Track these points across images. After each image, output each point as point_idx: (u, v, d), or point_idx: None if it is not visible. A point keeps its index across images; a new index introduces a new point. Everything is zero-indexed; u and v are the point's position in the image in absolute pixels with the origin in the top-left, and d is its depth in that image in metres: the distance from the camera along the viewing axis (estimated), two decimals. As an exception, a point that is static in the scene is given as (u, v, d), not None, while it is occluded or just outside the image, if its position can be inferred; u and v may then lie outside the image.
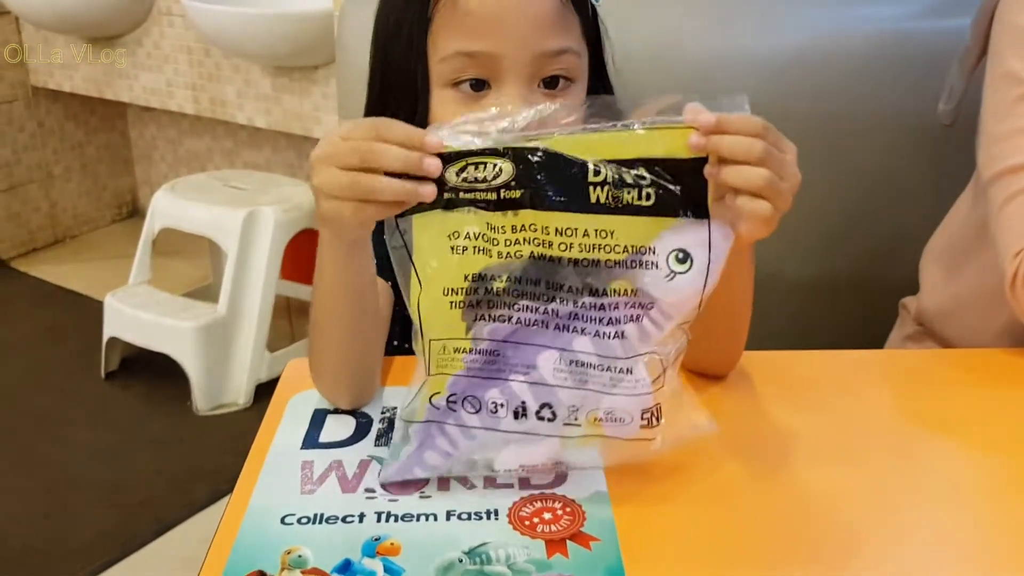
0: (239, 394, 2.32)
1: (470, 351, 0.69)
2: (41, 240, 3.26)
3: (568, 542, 0.67)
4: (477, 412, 0.70)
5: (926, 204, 1.21)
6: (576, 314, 0.67)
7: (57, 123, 3.22)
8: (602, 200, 0.64)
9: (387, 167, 0.65)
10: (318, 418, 0.83)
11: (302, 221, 2.34)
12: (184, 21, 2.61)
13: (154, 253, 2.43)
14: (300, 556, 0.66)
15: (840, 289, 1.31)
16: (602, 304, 0.66)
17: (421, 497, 0.72)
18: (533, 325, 0.67)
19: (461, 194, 0.65)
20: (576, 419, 0.70)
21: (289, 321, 2.61)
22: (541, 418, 0.69)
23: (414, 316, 0.69)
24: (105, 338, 2.40)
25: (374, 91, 0.93)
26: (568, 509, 0.71)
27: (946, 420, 0.85)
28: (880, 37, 1.25)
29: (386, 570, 0.65)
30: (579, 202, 0.64)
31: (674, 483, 0.74)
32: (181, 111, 2.77)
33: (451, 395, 0.70)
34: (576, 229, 0.65)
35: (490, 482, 0.74)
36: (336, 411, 0.84)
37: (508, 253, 0.66)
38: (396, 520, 0.70)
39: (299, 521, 0.70)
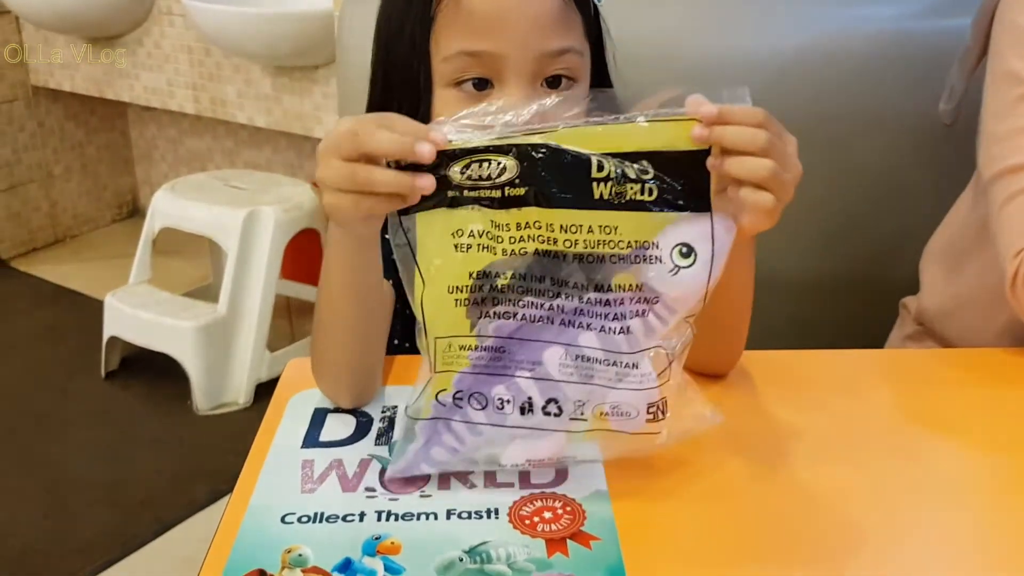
0: (239, 394, 2.32)
1: (475, 348, 0.69)
2: (41, 240, 3.26)
3: (568, 541, 0.67)
4: (483, 408, 0.70)
5: (926, 204, 1.21)
6: (581, 310, 0.67)
7: (57, 123, 3.22)
8: (605, 196, 0.64)
9: (380, 152, 0.66)
10: (318, 417, 0.83)
11: (302, 221, 2.35)
12: (184, 21, 2.61)
13: (154, 253, 2.43)
14: (300, 555, 0.66)
15: (840, 289, 1.31)
16: (607, 299, 0.66)
17: (421, 496, 0.72)
18: (538, 321, 0.68)
19: (465, 192, 0.65)
20: (582, 414, 0.70)
21: (289, 321, 2.61)
22: (547, 413, 0.70)
23: (418, 314, 0.69)
24: (105, 338, 2.40)
25: (376, 91, 0.93)
26: (568, 508, 0.71)
27: (946, 420, 0.85)
28: (880, 37, 1.25)
29: (386, 569, 0.65)
30: (583, 198, 0.64)
31: (674, 482, 0.74)
32: (181, 111, 2.78)
33: (457, 392, 0.70)
34: (580, 225, 0.65)
35: (490, 481, 0.74)
36: (336, 410, 0.84)
37: (512, 250, 0.66)
38: (396, 519, 0.70)
39: (299, 520, 0.70)
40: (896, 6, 1.27)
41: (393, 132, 0.66)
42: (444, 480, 0.74)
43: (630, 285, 0.66)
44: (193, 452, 2.16)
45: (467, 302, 0.67)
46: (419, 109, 0.86)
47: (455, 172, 0.65)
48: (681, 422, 0.71)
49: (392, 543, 0.67)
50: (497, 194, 0.65)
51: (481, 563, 0.65)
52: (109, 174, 3.40)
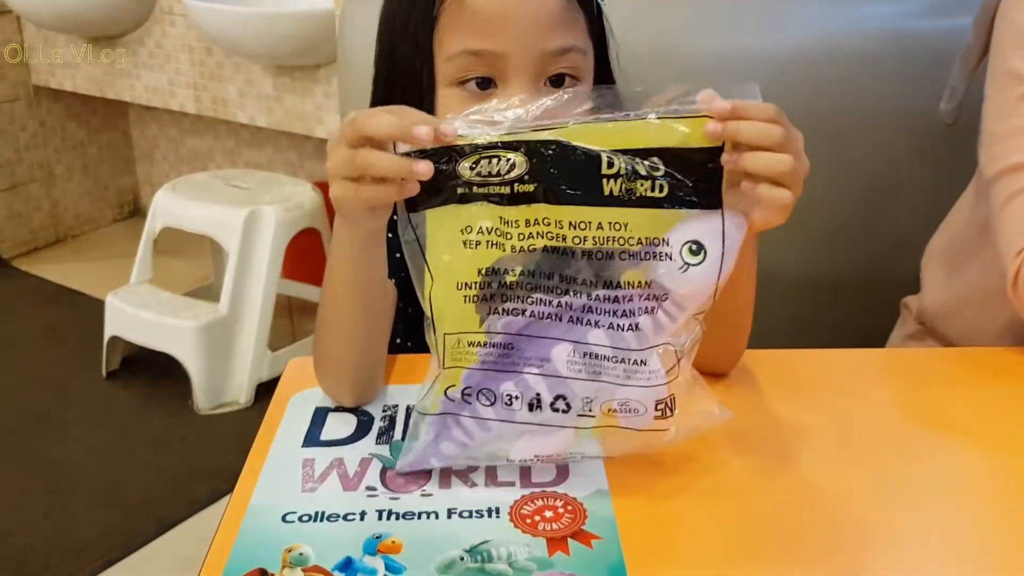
0: (240, 393, 2.32)
1: (484, 344, 0.69)
2: (43, 239, 3.27)
3: (569, 540, 0.67)
4: (492, 404, 0.70)
5: (928, 203, 1.21)
6: (590, 307, 0.67)
7: (59, 122, 3.22)
8: (615, 192, 0.64)
9: (378, 133, 0.66)
10: (319, 416, 0.83)
11: (303, 220, 2.35)
12: (186, 20, 2.61)
13: (155, 252, 2.44)
14: (301, 554, 0.66)
15: (841, 288, 1.31)
16: (616, 296, 0.66)
17: (422, 495, 0.72)
18: (547, 318, 0.68)
19: (474, 188, 0.65)
20: (590, 410, 0.70)
21: (290, 320, 2.61)
22: (555, 410, 0.70)
23: (427, 309, 0.69)
24: (106, 337, 2.40)
25: (379, 90, 0.93)
26: (569, 507, 0.71)
27: (947, 419, 0.84)
28: (882, 36, 1.25)
29: (387, 568, 0.65)
30: (592, 195, 0.64)
31: (675, 481, 0.74)
32: (183, 110, 2.78)
33: (466, 388, 0.70)
34: (590, 222, 0.65)
35: (491, 480, 0.74)
36: (337, 409, 0.84)
37: (521, 247, 0.66)
38: (397, 518, 0.70)
39: (300, 519, 0.70)
40: (897, 5, 1.26)
41: (393, 116, 0.66)
42: (445, 479, 0.74)
43: (639, 282, 0.66)
44: (194, 452, 2.16)
45: (476, 298, 0.68)
46: (422, 109, 0.86)
47: (464, 168, 0.65)
48: (689, 419, 0.71)
49: (393, 542, 0.67)
50: (506, 190, 0.65)
51: (482, 562, 0.65)
52: (110, 174, 3.40)
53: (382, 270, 0.80)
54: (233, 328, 2.30)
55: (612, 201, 0.64)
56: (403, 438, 0.78)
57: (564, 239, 0.65)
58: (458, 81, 0.85)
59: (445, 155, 0.65)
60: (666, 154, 0.64)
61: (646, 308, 0.66)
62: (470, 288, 0.67)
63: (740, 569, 0.66)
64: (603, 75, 0.91)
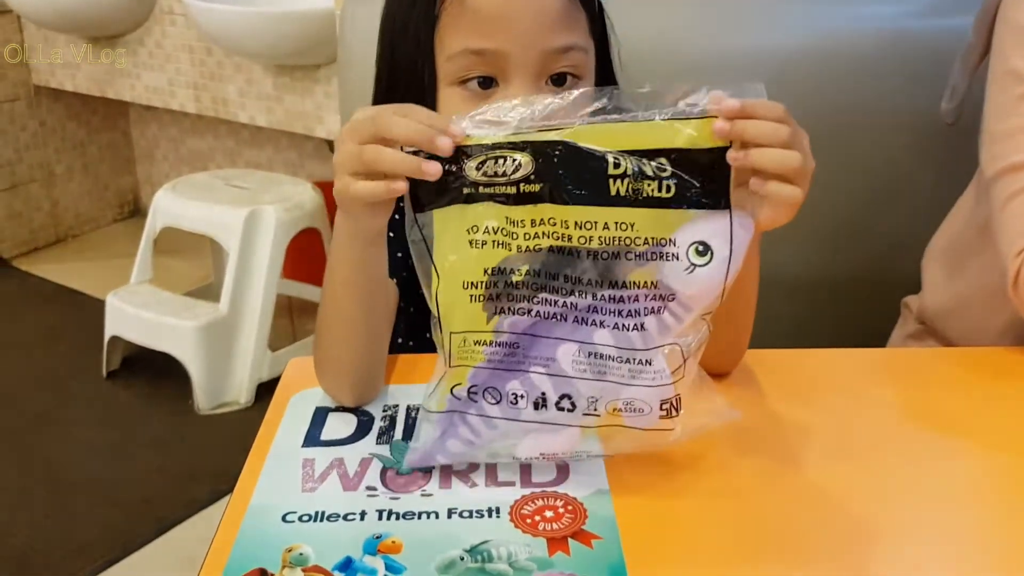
0: (240, 393, 2.32)
1: (490, 343, 0.69)
2: (43, 239, 3.27)
3: (570, 540, 0.67)
4: (498, 403, 0.70)
5: (928, 203, 1.21)
6: (595, 307, 0.67)
7: (59, 122, 3.22)
8: (622, 193, 0.64)
9: (399, 138, 0.66)
10: (319, 416, 0.83)
11: (304, 220, 2.35)
12: (186, 20, 2.61)
13: (156, 252, 2.44)
14: (301, 554, 0.66)
15: (842, 288, 1.31)
16: (621, 296, 0.66)
17: (422, 495, 0.72)
18: (552, 318, 0.68)
19: (481, 188, 0.65)
20: (595, 410, 0.70)
21: (291, 320, 2.61)
22: (561, 408, 0.70)
23: (433, 308, 0.69)
24: (107, 337, 2.40)
25: (380, 90, 0.93)
26: (570, 507, 0.71)
27: (948, 418, 0.84)
28: (882, 36, 1.25)
29: (387, 568, 0.65)
30: (599, 195, 0.64)
31: (676, 481, 0.74)
32: (183, 110, 2.78)
33: (472, 386, 0.70)
34: (596, 222, 0.65)
35: (492, 480, 0.74)
36: (337, 409, 0.84)
37: (527, 247, 0.66)
38: (397, 518, 0.70)
39: (300, 519, 0.70)
40: (897, 5, 1.26)
41: (412, 121, 0.66)
42: (445, 479, 0.74)
43: (645, 282, 0.66)
44: (194, 452, 2.16)
45: (482, 298, 0.68)
46: (423, 108, 0.86)
47: (471, 168, 0.65)
48: (696, 418, 0.71)
49: (393, 542, 0.67)
50: (512, 191, 0.65)
51: (482, 562, 0.65)
52: (110, 173, 3.40)
53: (383, 270, 0.80)
54: (233, 328, 2.30)
55: (619, 201, 0.64)
56: (403, 438, 0.78)
57: (570, 239, 0.65)
58: (459, 80, 0.85)
59: (452, 155, 0.65)
60: (673, 155, 0.64)
61: (652, 308, 0.66)
62: (476, 288, 0.68)
63: (740, 569, 0.66)
64: (604, 74, 0.91)
